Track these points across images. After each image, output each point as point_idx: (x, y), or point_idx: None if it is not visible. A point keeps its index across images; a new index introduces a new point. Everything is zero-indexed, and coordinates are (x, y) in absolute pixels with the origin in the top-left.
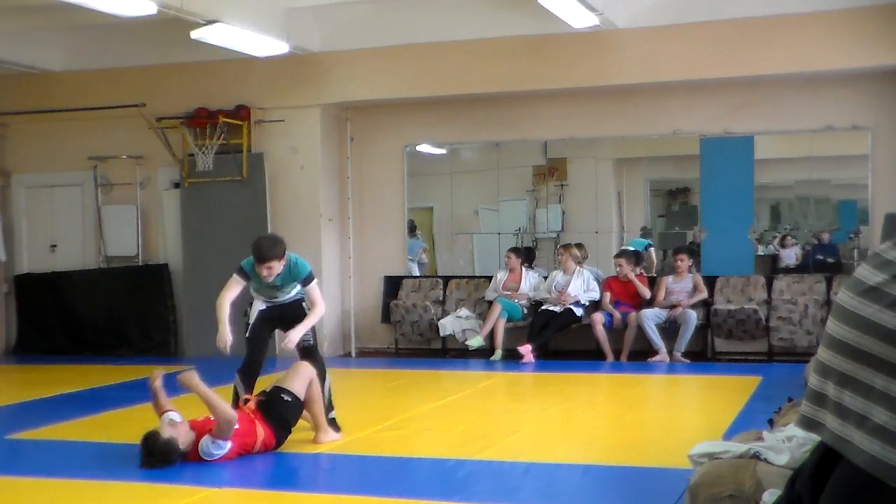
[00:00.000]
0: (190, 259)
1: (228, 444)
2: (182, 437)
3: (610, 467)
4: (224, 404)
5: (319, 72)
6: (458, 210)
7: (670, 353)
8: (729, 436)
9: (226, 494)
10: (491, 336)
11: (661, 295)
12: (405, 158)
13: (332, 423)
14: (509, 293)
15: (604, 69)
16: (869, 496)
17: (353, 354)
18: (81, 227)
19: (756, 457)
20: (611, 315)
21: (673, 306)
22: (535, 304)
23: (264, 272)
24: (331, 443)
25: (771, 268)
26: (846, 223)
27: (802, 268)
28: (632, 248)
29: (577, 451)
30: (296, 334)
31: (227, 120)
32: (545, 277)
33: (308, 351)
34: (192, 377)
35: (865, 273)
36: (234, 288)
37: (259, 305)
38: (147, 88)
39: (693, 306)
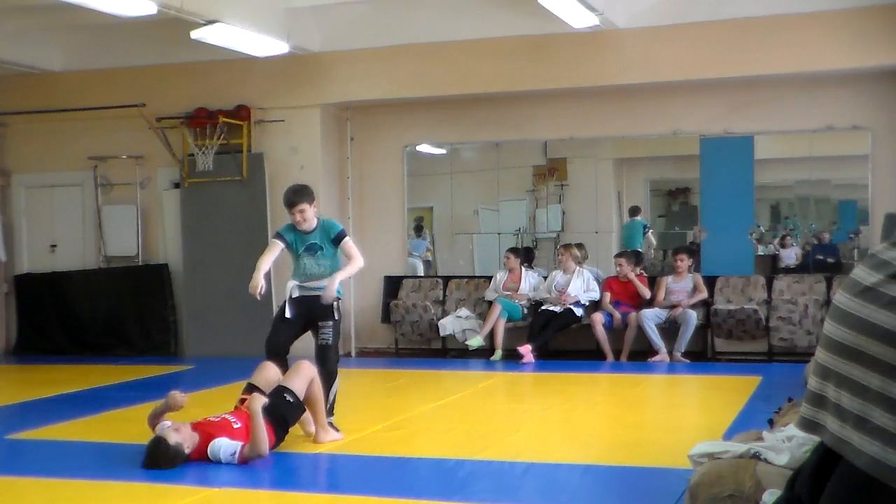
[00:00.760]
0: (190, 259)
1: (235, 462)
2: (187, 440)
3: (610, 467)
4: (264, 438)
5: (319, 72)
6: (458, 210)
7: (670, 353)
8: (729, 436)
9: (226, 494)
10: (491, 336)
11: (661, 295)
12: (405, 158)
13: (330, 426)
14: (509, 293)
15: (604, 69)
16: (869, 497)
17: (353, 354)
18: (81, 227)
19: (756, 457)
20: (611, 315)
21: (673, 306)
22: (535, 304)
23: (297, 217)
24: (331, 442)
25: (771, 268)
26: (846, 223)
27: (802, 268)
28: (631, 249)
29: (577, 451)
30: (333, 284)
31: (227, 120)
32: (545, 277)
33: (324, 350)
34: (258, 403)
35: (862, 274)
36: (273, 249)
37: (293, 291)
38: (147, 88)
39: (693, 306)
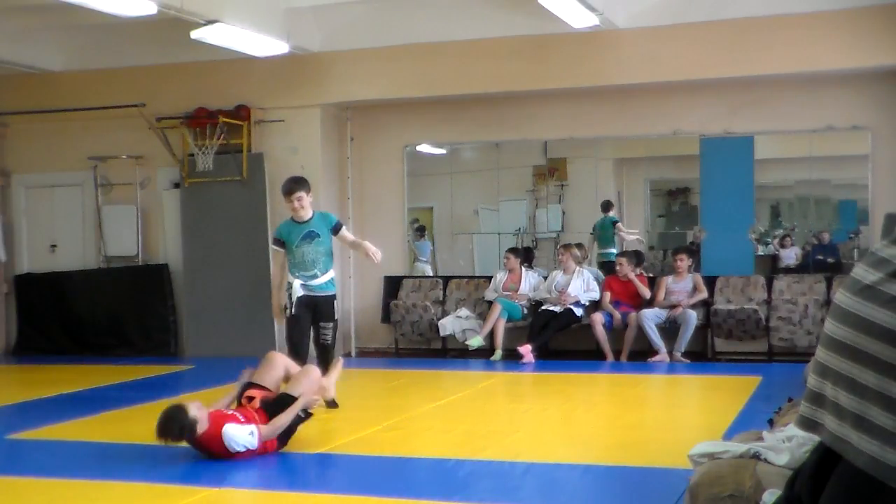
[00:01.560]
0: (190, 259)
1: (255, 445)
2: (202, 422)
3: (610, 467)
4: (284, 425)
5: (319, 72)
6: (458, 210)
7: (670, 353)
8: (729, 436)
9: (226, 494)
10: (491, 336)
11: (661, 295)
12: (405, 158)
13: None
14: (509, 293)
15: (604, 69)
16: (868, 496)
17: (354, 354)
18: (81, 227)
19: (756, 457)
20: (611, 315)
21: (673, 306)
22: (535, 305)
23: (295, 204)
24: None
25: (771, 268)
26: (846, 223)
27: (802, 268)
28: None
29: (577, 451)
30: (374, 247)
31: (227, 120)
32: (545, 277)
33: (325, 349)
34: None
35: (861, 272)
36: (279, 257)
37: (298, 291)
38: (147, 88)
39: (693, 306)
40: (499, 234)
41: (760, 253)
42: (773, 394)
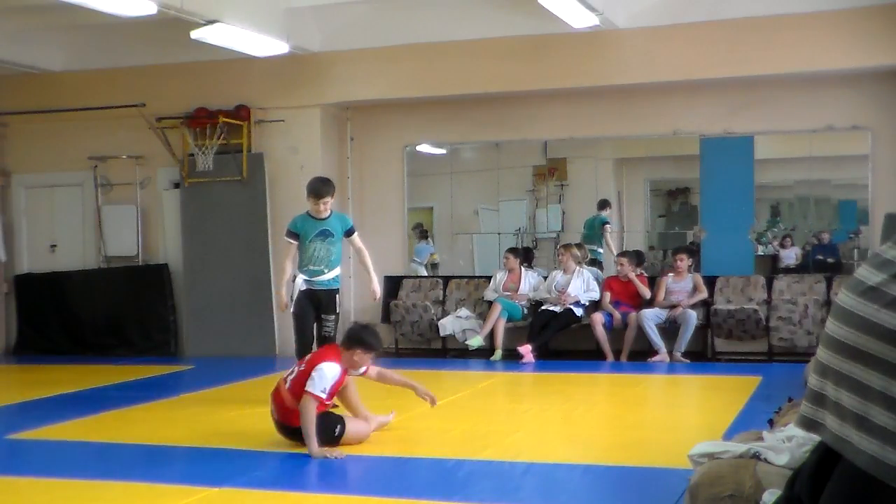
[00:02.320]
0: (190, 259)
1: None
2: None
3: (610, 467)
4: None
5: (319, 72)
6: (458, 210)
7: (670, 353)
8: (729, 436)
9: (226, 494)
10: (491, 336)
11: (661, 295)
12: (405, 158)
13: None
14: (509, 293)
15: (604, 69)
16: (869, 496)
17: None
18: (81, 227)
19: (756, 457)
20: (611, 315)
21: (673, 306)
22: (535, 305)
23: (321, 206)
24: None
25: (771, 268)
26: (846, 223)
27: (802, 268)
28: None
29: (577, 451)
30: (375, 284)
31: (227, 120)
32: (545, 277)
33: (327, 341)
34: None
35: (865, 273)
36: (289, 250)
37: (301, 285)
38: (147, 88)
39: (693, 306)
40: (499, 234)
41: (760, 253)
42: (773, 394)
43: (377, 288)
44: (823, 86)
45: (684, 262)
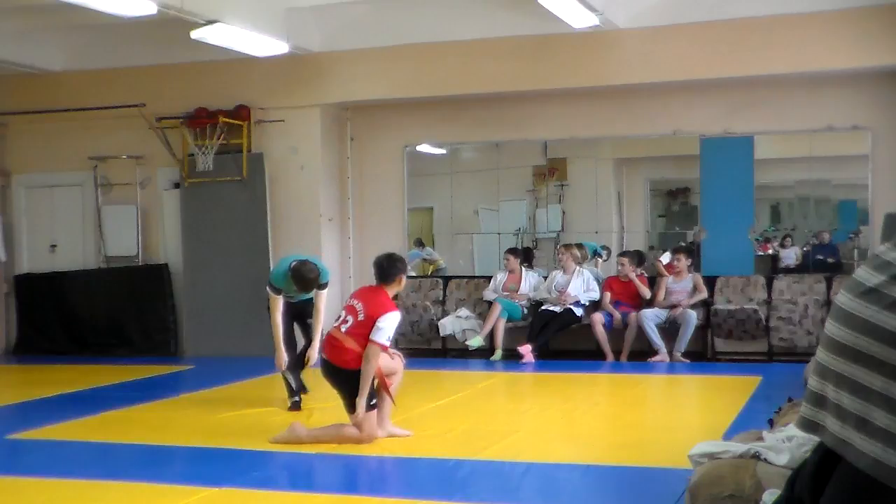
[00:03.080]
0: (190, 259)
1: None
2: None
3: (610, 467)
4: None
5: (319, 72)
6: (458, 210)
7: (670, 353)
8: (729, 436)
9: (226, 494)
10: (491, 336)
11: (661, 295)
12: (405, 158)
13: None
14: (509, 294)
15: (604, 69)
16: (869, 498)
17: None
18: (81, 227)
19: (756, 457)
20: (611, 315)
21: (673, 306)
22: (535, 305)
23: (304, 294)
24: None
25: (771, 268)
26: (846, 223)
27: (802, 268)
28: (632, 250)
29: (577, 451)
30: (314, 351)
31: (227, 120)
32: (545, 277)
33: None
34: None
35: (864, 275)
36: (277, 303)
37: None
38: (147, 88)
39: (693, 306)
40: (499, 234)
41: (760, 253)
42: (773, 394)
43: (314, 355)
44: (823, 86)
45: (682, 262)
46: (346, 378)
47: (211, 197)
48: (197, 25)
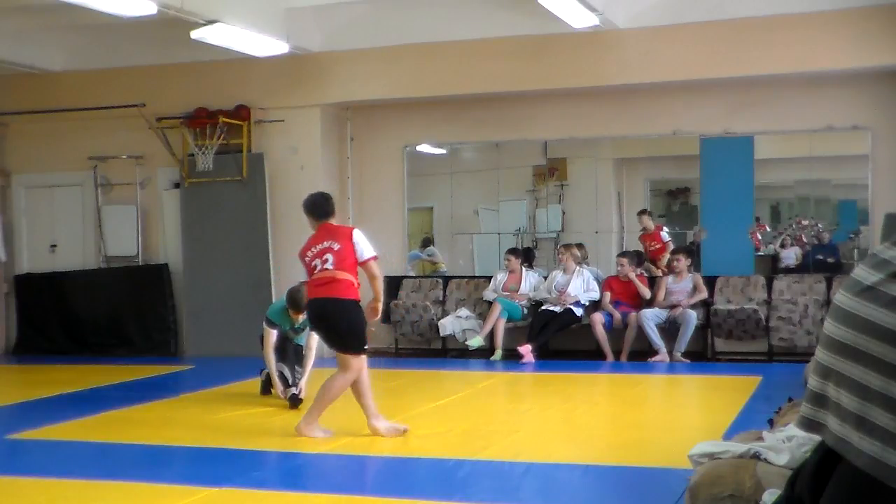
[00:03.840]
0: (190, 259)
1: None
2: None
3: (610, 467)
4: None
5: (319, 72)
6: (458, 210)
7: (670, 353)
8: (729, 436)
9: (226, 494)
10: (491, 336)
11: (661, 295)
12: (405, 158)
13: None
14: (509, 294)
15: (604, 69)
16: (869, 497)
17: None
18: (81, 227)
19: (756, 457)
20: (611, 315)
21: (673, 306)
22: (535, 305)
23: (301, 317)
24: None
25: (771, 268)
26: (846, 223)
27: (802, 268)
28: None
29: (577, 451)
30: (304, 381)
31: (227, 120)
32: (545, 277)
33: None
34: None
35: (862, 273)
36: (271, 336)
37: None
38: (147, 88)
39: (693, 306)
40: (499, 234)
41: (760, 253)
42: (773, 394)
43: (302, 385)
44: (823, 86)
45: (681, 262)
46: (342, 309)
47: (211, 197)
48: (197, 25)
